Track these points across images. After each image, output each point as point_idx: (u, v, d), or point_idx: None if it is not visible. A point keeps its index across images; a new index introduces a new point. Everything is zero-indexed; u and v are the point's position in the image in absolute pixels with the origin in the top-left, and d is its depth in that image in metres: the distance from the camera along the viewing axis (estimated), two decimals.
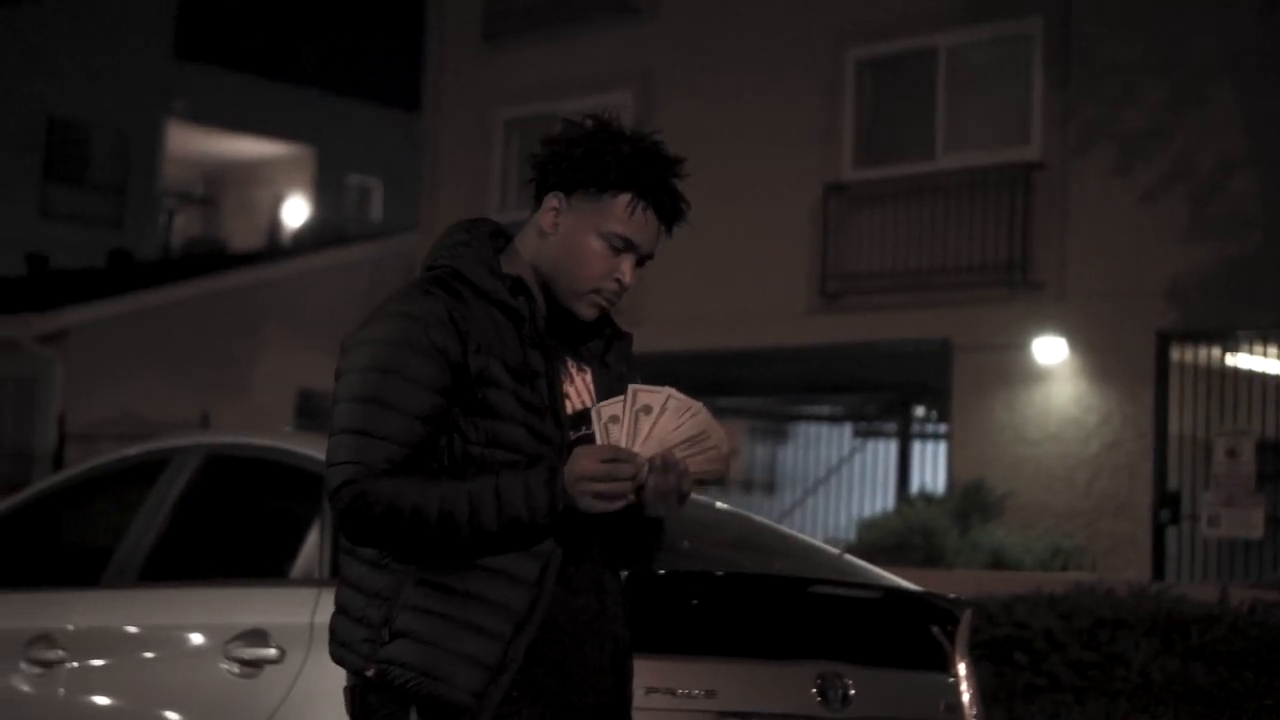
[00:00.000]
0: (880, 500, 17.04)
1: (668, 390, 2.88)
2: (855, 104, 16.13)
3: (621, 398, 2.89)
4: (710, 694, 4.26)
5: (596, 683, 2.99)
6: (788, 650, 4.44)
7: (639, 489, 2.84)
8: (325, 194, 34.40)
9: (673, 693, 4.19)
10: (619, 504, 2.83)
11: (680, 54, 17.19)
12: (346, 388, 2.93)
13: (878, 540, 13.13)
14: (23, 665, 5.27)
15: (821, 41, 16.19)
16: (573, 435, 2.95)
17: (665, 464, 2.83)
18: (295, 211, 34.33)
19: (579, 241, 2.99)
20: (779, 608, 4.54)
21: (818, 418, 18.90)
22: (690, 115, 16.61)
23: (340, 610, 2.98)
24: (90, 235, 29.37)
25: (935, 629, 4.83)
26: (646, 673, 3.89)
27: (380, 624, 2.90)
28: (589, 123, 3.01)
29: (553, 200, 3.01)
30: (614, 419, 2.87)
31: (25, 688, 5.27)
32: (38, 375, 20.79)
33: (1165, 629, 8.24)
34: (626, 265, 3.01)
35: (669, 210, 3.02)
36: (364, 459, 2.87)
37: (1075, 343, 14.37)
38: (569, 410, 2.99)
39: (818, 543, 5.75)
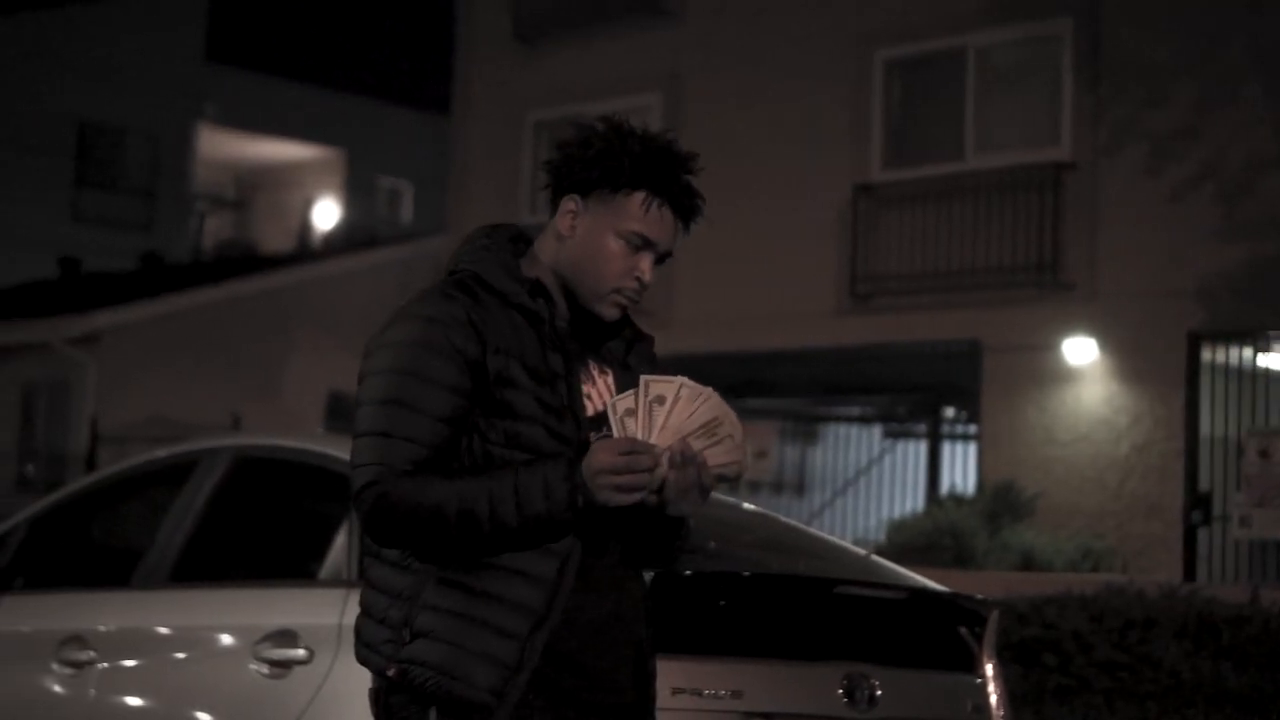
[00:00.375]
0: (910, 501, 17.00)
1: (679, 379, 2.90)
2: (884, 105, 16.11)
3: (635, 390, 2.90)
4: (737, 694, 4.26)
5: (616, 682, 3.00)
6: (814, 651, 4.44)
7: (660, 488, 2.85)
8: (356, 196, 34.48)
9: (699, 693, 4.19)
10: (639, 496, 2.84)
11: (709, 56, 17.20)
12: (369, 390, 2.96)
13: (907, 541, 13.11)
14: (54, 666, 5.30)
15: (850, 42, 16.18)
16: (593, 436, 2.96)
17: (684, 458, 2.84)
18: (326, 214, 34.42)
19: (597, 242, 3.01)
20: (805, 608, 4.54)
21: (847, 419, 18.86)
22: (719, 117, 16.62)
23: (364, 612, 3.01)
24: (122, 238, 29.51)
25: (962, 630, 4.82)
26: (673, 673, 3.90)
27: (401, 624, 2.92)
28: (600, 125, 3.03)
29: (569, 203, 3.04)
30: (629, 411, 2.88)
31: (57, 688, 5.30)
32: (70, 378, 20.90)
33: (1196, 630, 8.22)
34: (645, 263, 3.03)
35: (685, 207, 3.04)
36: (387, 460, 2.89)
37: (1105, 343, 14.33)
38: (590, 412, 3.01)
39: (844, 543, 5.75)
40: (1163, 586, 9.00)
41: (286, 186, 34.53)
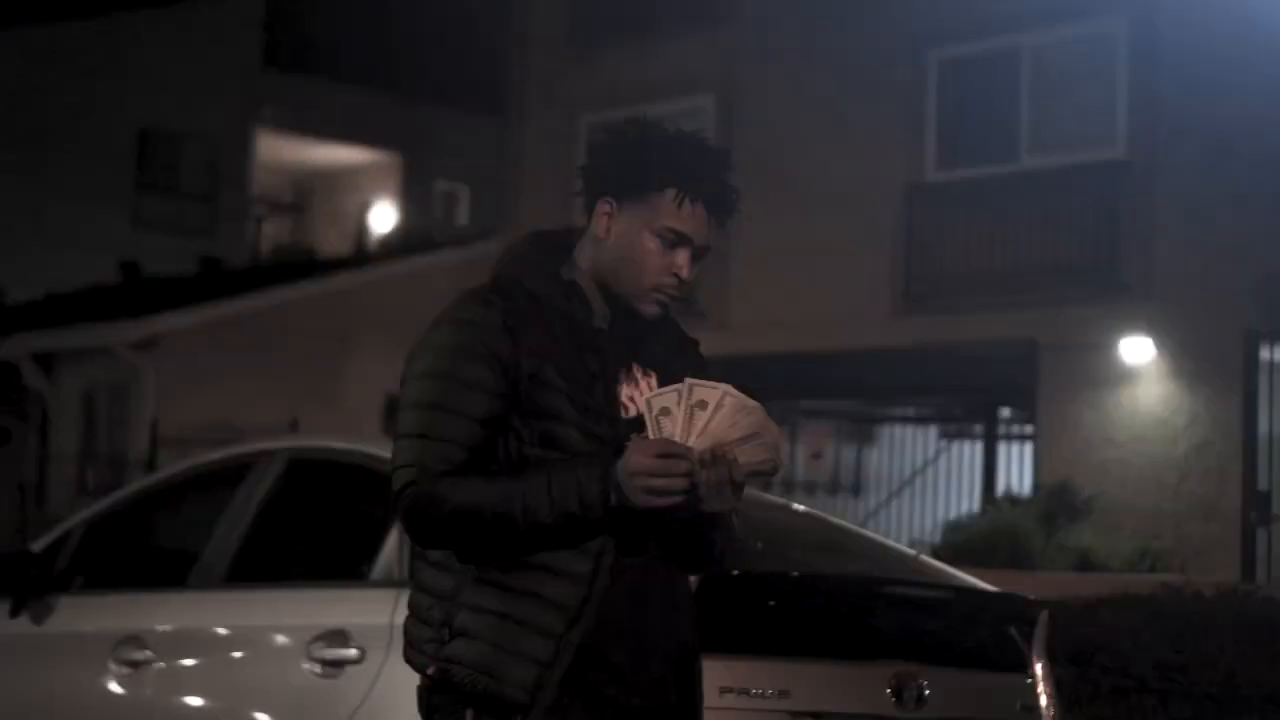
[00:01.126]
0: (966, 502, 16.93)
1: (724, 387, 2.88)
2: (938, 105, 16.06)
3: (674, 388, 2.90)
4: (784, 694, 4.27)
5: (654, 685, 3.01)
6: (863, 651, 4.45)
7: (693, 486, 2.86)
8: (412, 200, 34.58)
9: (747, 693, 4.20)
10: (673, 499, 2.86)
11: (762, 57, 17.19)
12: (409, 394, 3.02)
13: (964, 542, 13.05)
14: (112, 665, 5.38)
15: (904, 43, 16.14)
16: (633, 438, 2.96)
17: (715, 457, 2.86)
18: (382, 217, 34.55)
19: (633, 242, 3.05)
20: (854, 608, 4.55)
21: (903, 420, 18.81)
22: (772, 118, 16.62)
23: (411, 612, 3.06)
24: (182, 243, 29.70)
25: (1012, 630, 4.82)
26: (720, 673, 3.92)
27: (441, 624, 2.97)
28: (629, 128, 3.08)
29: (604, 206, 3.08)
30: (665, 410, 2.88)
31: (115, 687, 5.37)
32: (130, 381, 21.07)
33: (1253, 631, 8.17)
34: (682, 258, 3.06)
35: (717, 201, 3.07)
36: (426, 461, 2.93)
37: (1162, 343, 14.24)
38: (632, 413, 3.03)
39: (893, 543, 5.75)
40: (1220, 587, 8.95)
41: (343, 190, 34.68)
